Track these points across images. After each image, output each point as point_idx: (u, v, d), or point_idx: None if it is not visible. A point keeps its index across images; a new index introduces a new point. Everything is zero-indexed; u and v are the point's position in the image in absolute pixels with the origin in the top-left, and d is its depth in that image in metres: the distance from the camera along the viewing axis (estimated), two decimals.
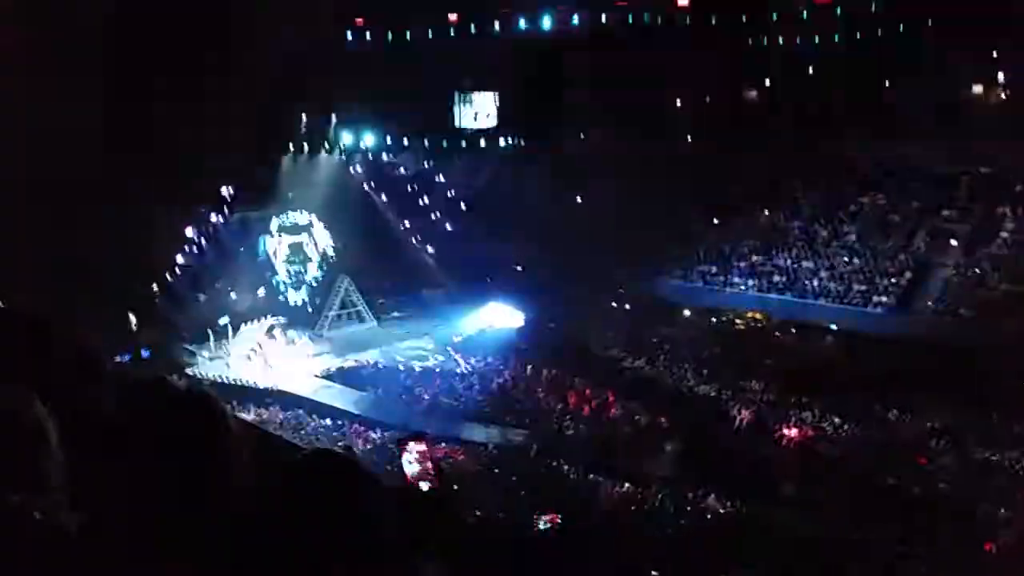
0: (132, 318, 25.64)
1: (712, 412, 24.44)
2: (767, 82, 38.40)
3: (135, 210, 23.33)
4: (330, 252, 32.88)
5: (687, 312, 31.78)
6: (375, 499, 1.64)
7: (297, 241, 32.34)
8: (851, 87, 35.15)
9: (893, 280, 29.53)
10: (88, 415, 3.28)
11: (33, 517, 1.89)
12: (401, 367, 28.41)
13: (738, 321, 31.30)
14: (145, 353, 23.36)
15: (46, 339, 3.29)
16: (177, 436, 1.97)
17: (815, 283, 30.76)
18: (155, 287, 28.03)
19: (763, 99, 38.63)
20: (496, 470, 19.67)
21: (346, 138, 32.71)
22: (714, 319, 31.39)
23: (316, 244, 32.73)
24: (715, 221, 35.40)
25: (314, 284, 32.60)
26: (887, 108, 33.77)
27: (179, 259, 29.00)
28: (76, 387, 3.27)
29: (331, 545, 1.59)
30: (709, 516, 18.30)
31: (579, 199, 34.24)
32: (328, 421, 22.64)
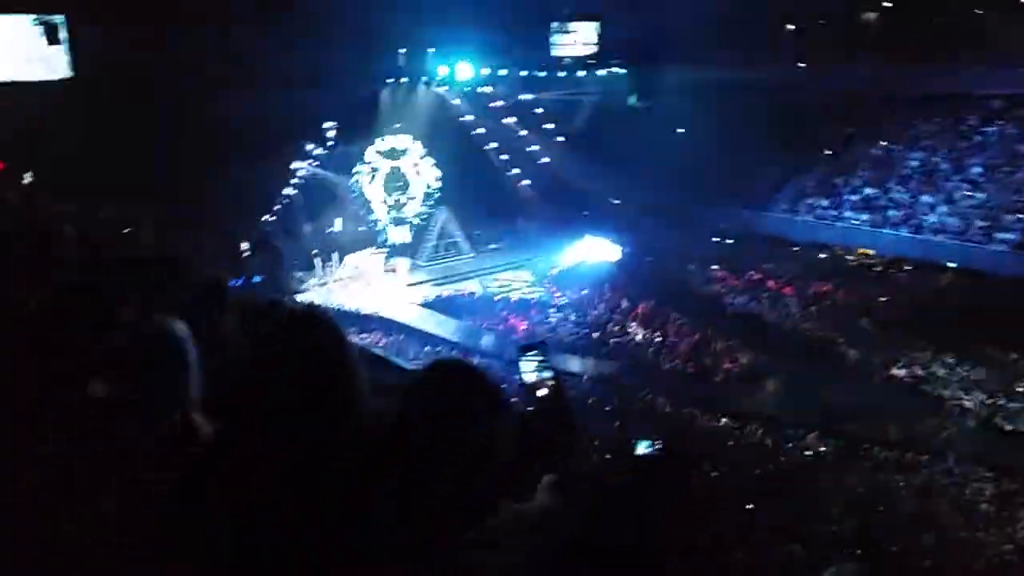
0: (244, 246, 27.08)
1: (817, 350, 23.83)
2: (885, 3, 35.79)
3: (244, 146, 24.33)
4: (432, 186, 33.32)
5: (794, 248, 30.83)
6: (497, 407, 1.64)
7: (396, 166, 32.82)
8: (975, 8, 32.37)
9: (1020, 216, 27.63)
10: (217, 336, 3.57)
11: (175, 424, 2.11)
12: (497, 297, 28.92)
13: (848, 257, 30.14)
14: (256, 279, 24.67)
15: (178, 271, 3.58)
16: (301, 353, 2.06)
17: (933, 218, 29.15)
18: (265, 218, 29.37)
19: (881, 22, 36.14)
20: (590, 401, 19.90)
21: (443, 70, 32.74)
22: (822, 255, 30.33)
23: (417, 172, 33.20)
24: (826, 152, 33.89)
25: (416, 222, 33.20)
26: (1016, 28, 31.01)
27: (287, 192, 30.14)
28: (205, 313, 3.56)
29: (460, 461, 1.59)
30: (810, 453, 18.01)
31: (681, 130, 33.31)
32: (428, 347, 23.33)
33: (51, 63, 24.52)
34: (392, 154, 32.65)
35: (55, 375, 2.35)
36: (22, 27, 24.21)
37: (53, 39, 24.54)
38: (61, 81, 24.00)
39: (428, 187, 33.35)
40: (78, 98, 22.20)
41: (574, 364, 23.20)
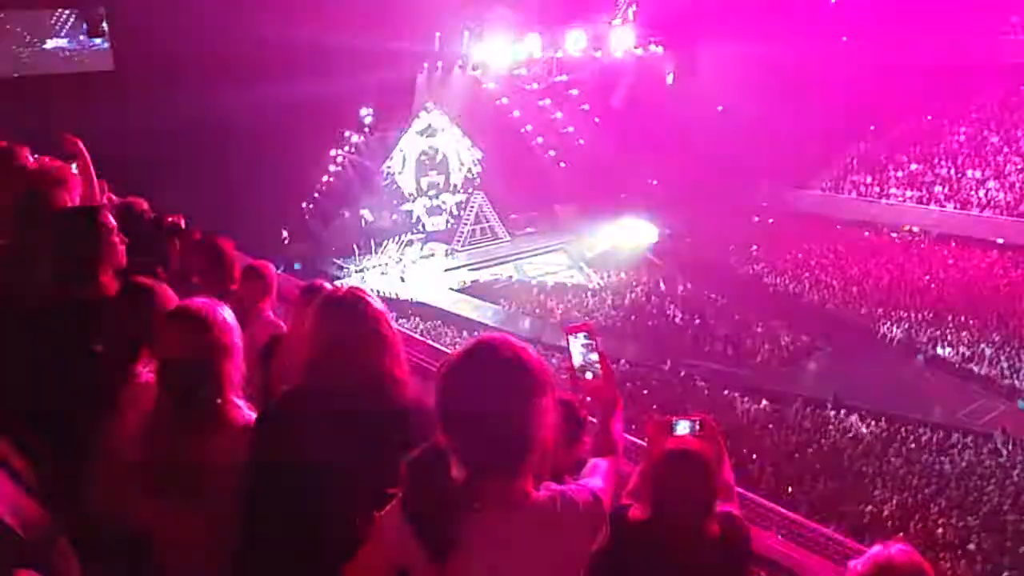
0: (284, 233, 27.44)
1: (860, 330, 23.51)
2: None
3: (283, 136, 24.61)
4: (474, 171, 33.31)
5: (837, 226, 30.36)
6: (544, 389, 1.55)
7: (433, 146, 32.85)
8: None
9: None
10: (260, 320, 3.67)
11: (215, 407, 2.17)
12: (534, 282, 28.96)
13: (893, 234, 29.60)
14: (296, 266, 24.94)
15: (226, 257, 3.71)
16: (339, 330, 2.09)
17: (981, 193, 28.46)
18: (304, 205, 29.68)
19: None
20: (628, 383, 19.93)
21: (479, 53, 32.59)
22: (866, 233, 29.81)
23: (455, 155, 33.23)
24: (871, 127, 33.22)
25: (452, 211, 33.35)
26: None
27: (324, 179, 30.36)
28: (250, 299, 3.68)
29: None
30: (852, 436, 17.84)
31: (720, 108, 32.87)
32: (464, 332, 23.50)
33: (93, 56, 25.09)
34: (428, 132, 32.66)
35: (109, 357, 2.44)
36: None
37: (95, 32, 25.07)
38: (102, 73, 24.51)
39: (469, 171, 33.34)
40: (118, 90, 22.63)
41: (611, 347, 23.24)
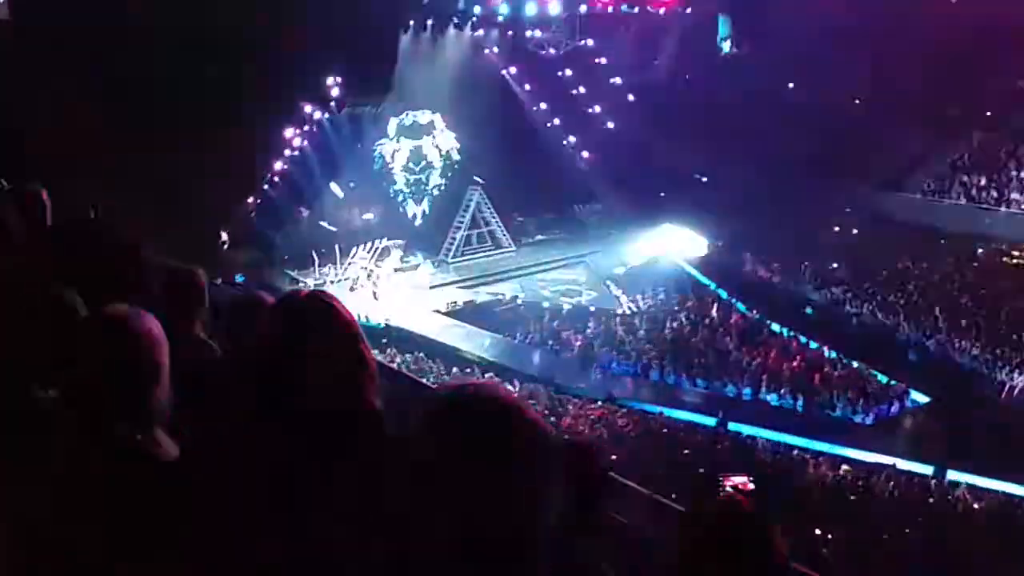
0: (224, 236, 27.49)
1: (971, 375, 23.55)
2: None
3: (224, 109, 24.71)
4: (455, 155, 33.67)
5: (941, 240, 30.47)
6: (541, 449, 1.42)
7: (418, 144, 33.53)
8: None
9: None
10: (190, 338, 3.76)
11: (136, 446, 2.22)
12: (546, 304, 29.09)
13: (1015, 253, 29.68)
14: (239, 278, 24.89)
15: (143, 261, 3.79)
16: (302, 339, 2.11)
17: None
18: (250, 200, 29.72)
19: None
20: (665, 431, 20.02)
21: (480, 8, 32.72)
22: (980, 250, 29.91)
23: (439, 148, 33.64)
24: (987, 114, 33.38)
25: (436, 193, 33.76)
26: None
27: (277, 166, 30.43)
28: (177, 311, 3.76)
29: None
30: (960, 510, 17.83)
31: (790, 85, 33.10)
32: (455, 369, 23.56)
33: None
34: (414, 130, 33.24)
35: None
36: None
37: None
38: None
39: (448, 154, 33.74)
40: (15, 45, 22.81)
41: (645, 394, 23.33)
